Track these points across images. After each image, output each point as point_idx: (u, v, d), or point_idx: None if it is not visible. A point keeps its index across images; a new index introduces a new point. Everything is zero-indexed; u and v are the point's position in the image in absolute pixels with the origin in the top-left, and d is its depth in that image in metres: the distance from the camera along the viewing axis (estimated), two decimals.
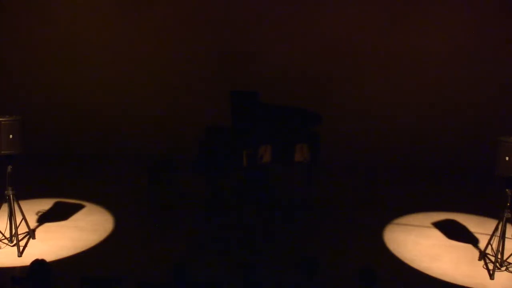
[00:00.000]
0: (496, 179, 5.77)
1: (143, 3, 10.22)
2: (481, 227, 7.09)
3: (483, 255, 6.12)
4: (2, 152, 5.81)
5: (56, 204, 7.66)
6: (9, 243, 6.21)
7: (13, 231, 6.14)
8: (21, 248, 6.07)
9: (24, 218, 6.27)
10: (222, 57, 10.04)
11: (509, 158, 5.50)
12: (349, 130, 9.96)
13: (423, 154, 9.81)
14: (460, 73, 9.75)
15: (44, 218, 7.12)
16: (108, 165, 9.73)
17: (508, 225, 5.83)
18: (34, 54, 10.36)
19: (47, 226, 6.90)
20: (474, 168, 9.08)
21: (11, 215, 6.09)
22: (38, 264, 4.27)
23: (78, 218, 7.24)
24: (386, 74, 9.90)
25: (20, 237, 6.21)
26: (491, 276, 5.74)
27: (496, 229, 5.87)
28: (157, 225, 7.10)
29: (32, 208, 7.30)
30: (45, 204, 7.61)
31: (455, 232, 6.97)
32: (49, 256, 5.57)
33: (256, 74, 9.76)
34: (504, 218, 5.77)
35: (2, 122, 5.78)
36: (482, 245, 6.41)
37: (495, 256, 5.81)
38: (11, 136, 5.80)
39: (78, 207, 7.57)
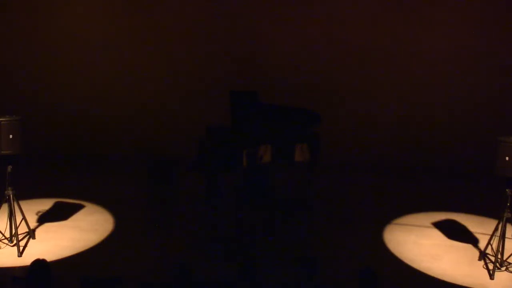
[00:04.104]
0: (496, 179, 5.77)
1: (143, 3, 10.22)
2: (481, 227, 7.09)
3: (483, 255, 6.11)
4: (2, 152, 5.81)
5: (56, 204, 7.66)
6: (9, 243, 6.20)
7: (13, 231, 6.13)
8: (21, 248, 6.07)
9: (24, 218, 6.27)
10: (222, 57, 10.04)
11: (509, 158, 5.50)
12: (349, 130, 9.97)
13: (423, 154, 9.82)
14: (460, 73, 9.75)
15: (44, 218, 7.12)
16: (108, 165, 9.74)
17: (508, 225, 5.83)
18: (34, 54, 10.36)
19: (47, 226, 6.90)
20: (474, 168, 9.08)
21: (11, 215, 6.09)
22: (38, 264, 4.27)
23: (78, 218, 7.23)
24: (386, 73, 9.90)
25: (20, 237, 6.21)
26: (491, 276, 5.73)
27: (496, 229, 5.87)
28: (157, 225, 7.10)
29: (32, 208, 7.30)
30: (45, 204, 7.61)
31: (455, 232, 6.97)
32: (49, 256, 5.56)
33: (256, 74, 9.77)
34: (504, 218, 5.77)
35: (2, 122, 5.78)
36: (482, 245, 6.42)
37: (495, 256, 5.81)
38: (11, 136, 5.80)
39: (78, 207, 7.57)
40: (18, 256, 5.97)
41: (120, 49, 10.28)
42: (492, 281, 5.70)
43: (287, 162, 7.63)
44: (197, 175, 7.87)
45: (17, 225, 6.11)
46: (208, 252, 6.31)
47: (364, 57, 9.88)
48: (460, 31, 9.69)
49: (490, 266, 5.87)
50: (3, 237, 6.28)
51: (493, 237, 5.90)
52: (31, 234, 6.45)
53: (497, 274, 5.77)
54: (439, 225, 7.21)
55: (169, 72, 10.25)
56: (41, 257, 4.46)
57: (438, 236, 6.89)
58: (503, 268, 5.89)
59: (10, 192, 6.06)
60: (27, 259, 5.62)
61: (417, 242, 6.69)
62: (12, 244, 6.16)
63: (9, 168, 5.99)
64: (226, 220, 7.30)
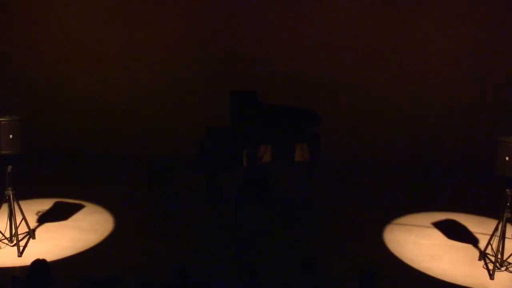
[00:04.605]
0: (496, 179, 5.77)
1: (144, 3, 10.22)
2: (481, 227, 7.09)
3: (483, 255, 6.11)
4: (2, 152, 5.81)
5: (56, 204, 7.66)
6: (9, 243, 6.21)
7: (13, 231, 6.14)
8: (21, 248, 6.07)
9: (24, 218, 6.27)
10: (222, 57, 10.04)
11: (509, 158, 5.50)
12: (349, 130, 9.97)
13: (423, 154, 9.82)
14: (460, 73, 9.76)
15: (44, 218, 7.12)
16: (108, 165, 9.74)
17: (508, 225, 5.83)
18: (34, 54, 10.36)
19: (47, 226, 6.90)
20: (474, 168, 9.08)
21: (11, 215, 6.09)
22: (38, 264, 4.27)
23: (78, 218, 7.24)
24: (385, 74, 9.90)
25: (20, 237, 6.21)
26: (491, 276, 5.73)
27: (496, 229, 5.87)
28: (157, 225, 7.10)
29: (32, 208, 7.30)
30: (45, 204, 7.61)
31: (455, 232, 6.97)
32: (49, 256, 5.56)
33: (256, 74, 9.77)
34: (504, 218, 5.77)
35: (2, 122, 5.78)
36: (482, 245, 6.42)
37: (495, 256, 5.81)
38: (11, 136, 5.80)
39: (78, 207, 7.57)
40: (18, 256, 5.97)
41: (120, 49, 10.29)
42: (492, 281, 5.69)
43: (287, 162, 7.63)
44: (197, 175, 7.87)
45: (17, 225, 6.12)
46: (208, 252, 6.30)
47: (364, 57, 9.88)
48: (461, 31, 9.68)
49: (490, 266, 5.87)
50: (3, 237, 6.28)
51: (493, 237, 5.90)
52: (31, 234, 6.45)
53: (497, 274, 5.76)
54: (439, 225, 7.21)
55: (169, 72, 10.25)
56: (41, 257, 4.45)
57: (438, 236, 6.89)
58: (503, 268, 5.89)
59: (10, 192, 6.06)
60: (27, 259, 5.63)
61: (417, 242, 6.69)
62: (12, 244, 6.16)
63: (9, 168, 5.99)
64: (226, 220, 7.30)
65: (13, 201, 6.07)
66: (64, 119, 10.43)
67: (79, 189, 8.30)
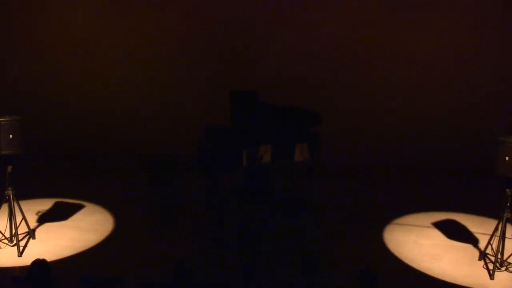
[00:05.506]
0: (496, 179, 5.77)
1: (142, 3, 10.22)
2: (481, 227, 7.09)
3: (483, 255, 6.12)
4: (2, 152, 5.81)
5: (56, 204, 7.66)
6: (9, 243, 6.21)
7: (13, 231, 6.14)
8: (21, 248, 6.07)
9: (24, 218, 6.27)
10: (222, 57, 10.04)
11: (509, 158, 5.50)
12: (349, 130, 9.96)
13: (423, 154, 9.82)
14: (460, 73, 9.75)
15: (44, 218, 7.12)
16: (108, 165, 9.73)
17: (508, 225, 5.83)
18: (34, 54, 10.36)
19: (47, 226, 6.90)
20: (474, 168, 9.08)
21: (11, 215, 6.09)
22: (38, 264, 4.27)
23: (78, 218, 7.23)
24: (385, 74, 9.90)
25: (20, 237, 6.21)
26: (491, 276, 5.74)
27: (496, 229, 5.87)
28: (157, 225, 7.10)
29: (32, 208, 7.30)
30: (45, 204, 7.61)
31: (455, 232, 6.97)
32: (49, 256, 5.56)
33: (256, 74, 9.77)
34: (504, 218, 5.77)
35: (2, 122, 5.78)
36: (482, 245, 6.41)
37: (495, 256, 5.81)
38: (11, 136, 5.80)
39: (78, 207, 7.57)
40: (18, 256, 5.97)
41: (120, 49, 10.28)
42: (492, 281, 5.70)
43: (287, 162, 7.63)
44: (197, 175, 7.87)
45: (17, 225, 6.12)
46: (208, 252, 6.30)
47: (364, 57, 9.87)
48: (460, 31, 9.68)
49: (490, 266, 5.87)
50: (3, 237, 6.28)
51: (493, 237, 5.90)
52: (31, 234, 6.45)
53: (497, 274, 5.77)
54: (439, 225, 7.21)
55: (169, 72, 10.24)
56: (41, 257, 4.46)
57: (438, 236, 6.89)
58: (503, 268, 5.89)
59: (10, 192, 6.06)
60: (27, 259, 5.63)
61: (417, 242, 6.69)
62: (12, 244, 6.16)
63: (9, 168, 5.99)
64: (226, 220, 7.30)
65: (13, 201, 6.07)
66: (64, 119, 10.42)
67: (79, 189, 8.30)
